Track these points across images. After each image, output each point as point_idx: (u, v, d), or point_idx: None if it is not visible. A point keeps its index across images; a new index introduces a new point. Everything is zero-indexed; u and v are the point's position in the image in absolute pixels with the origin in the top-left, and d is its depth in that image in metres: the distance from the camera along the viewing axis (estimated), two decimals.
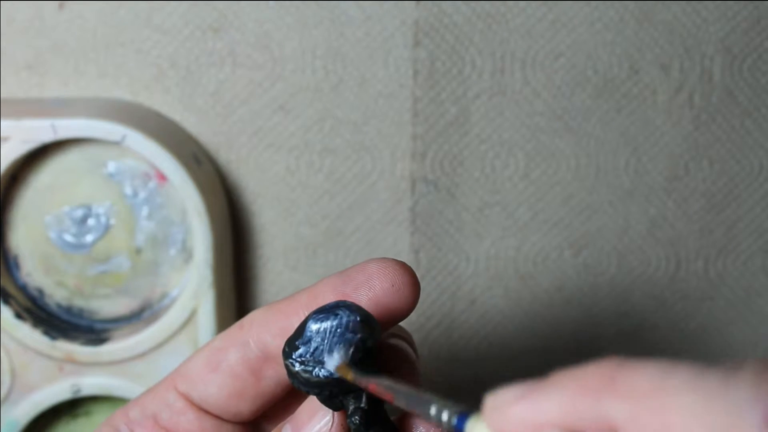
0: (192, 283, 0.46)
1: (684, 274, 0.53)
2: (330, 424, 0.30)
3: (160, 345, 0.46)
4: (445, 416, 0.24)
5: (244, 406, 0.32)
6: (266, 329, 0.31)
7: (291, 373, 0.29)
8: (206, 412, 0.32)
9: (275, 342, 0.31)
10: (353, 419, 0.29)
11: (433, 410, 0.25)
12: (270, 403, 0.33)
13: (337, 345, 0.29)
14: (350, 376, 0.28)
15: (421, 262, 0.51)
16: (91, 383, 0.47)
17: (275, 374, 0.32)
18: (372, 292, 0.30)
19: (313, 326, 0.29)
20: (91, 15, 0.47)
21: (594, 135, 0.50)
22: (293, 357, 0.29)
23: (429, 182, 0.50)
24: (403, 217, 0.50)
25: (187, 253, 0.48)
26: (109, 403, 0.49)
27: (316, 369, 0.29)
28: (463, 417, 0.24)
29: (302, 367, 0.29)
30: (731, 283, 0.53)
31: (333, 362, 0.29)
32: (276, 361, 0.31)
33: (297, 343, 0.29)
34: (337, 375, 0.29)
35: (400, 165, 0.50)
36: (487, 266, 0.52)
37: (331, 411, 0.30)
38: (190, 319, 0.46)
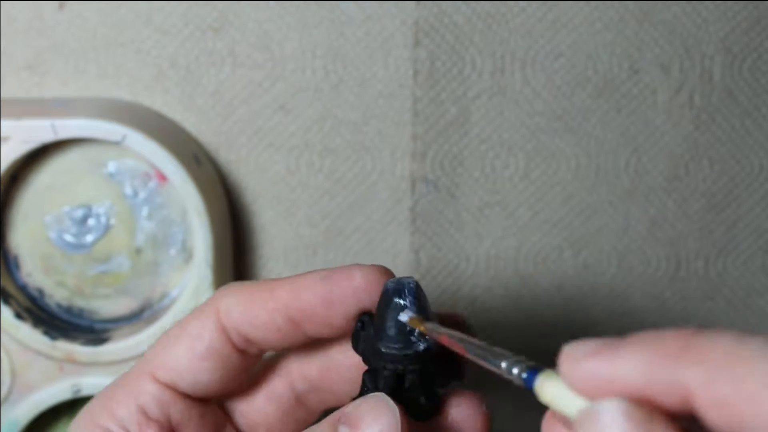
0: (192, 283, 0.46)
1: (684, 274, 0.53)
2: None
3: None
4: (515, 370, 0.25)
5: (234, 386, 0.33)
6: (250, 325, 0.31)
7: (397, 358, 0.30)
8: (195, 398, 0.32)
9: (258, 334, 0.31)
10: (410, 375, 0.30)
11: (504, 364, 0.25)
12: (251, 375, 0.34)
13: (408, 310, 0.30)
14: (423, 326, 0.29)
15: (421, 262, 0.51)
16: (91, 383, 0.47)
17: (259, 351, 0.32)
18: (360, 304, 0.31)
19: (389, 312, 0.30)
20: (91, 15, 0.47)
21: (594, 135, 0.50)
22: (389, 346, 0.30)
23: (429, 182, 0.50)
24: (403, 217, 0.50)
25: (187, 253, 0.48)
26: None
27: (410, 344, 0.30)
28: (534, 372, 0.24)
29: (398, 346, 0.30)
30: (731, 283, 0.53)
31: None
32: (256, 343, 0.32)
33: (383, 334, 0.30)
34: (422, 347, 0.30)
35: (400, 165, 0.50)
36: (487, 266, 0.52)
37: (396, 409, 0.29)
38: None
